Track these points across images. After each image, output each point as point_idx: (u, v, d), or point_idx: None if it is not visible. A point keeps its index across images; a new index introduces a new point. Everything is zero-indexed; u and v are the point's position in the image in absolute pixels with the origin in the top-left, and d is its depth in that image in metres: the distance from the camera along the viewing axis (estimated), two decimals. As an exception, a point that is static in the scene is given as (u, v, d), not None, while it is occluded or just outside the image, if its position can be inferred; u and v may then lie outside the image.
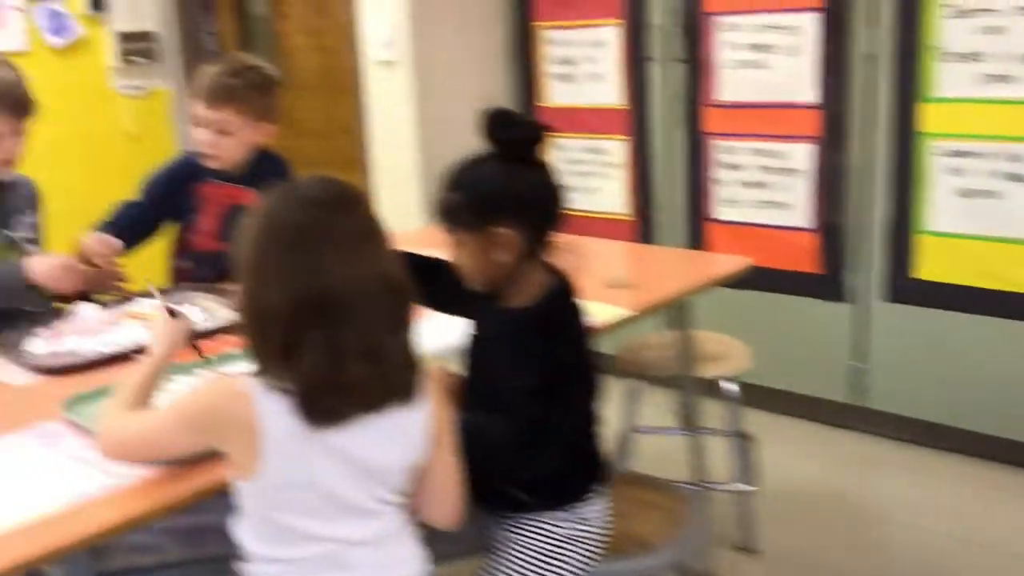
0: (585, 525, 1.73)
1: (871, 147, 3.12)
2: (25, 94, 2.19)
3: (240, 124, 2.41)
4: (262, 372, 1.33)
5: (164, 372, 1.60)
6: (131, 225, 2.46)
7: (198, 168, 2.52)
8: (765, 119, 3.31)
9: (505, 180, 1.66)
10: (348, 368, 1.29)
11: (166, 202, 2.53)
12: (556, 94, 3.88)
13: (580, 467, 1.74)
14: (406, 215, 3.79)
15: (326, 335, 1.28)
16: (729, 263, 2.48)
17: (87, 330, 2.17)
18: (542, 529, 1.71)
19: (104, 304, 2.30)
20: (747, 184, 3.41)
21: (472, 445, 1.53)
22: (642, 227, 3.72)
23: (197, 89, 2.40)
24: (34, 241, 2.36)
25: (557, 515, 1.71)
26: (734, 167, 3.43)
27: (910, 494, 3.02)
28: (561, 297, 1.70)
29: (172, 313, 1.70)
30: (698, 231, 3.57)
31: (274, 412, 1.30)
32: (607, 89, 3.71)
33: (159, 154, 4.51)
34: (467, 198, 1.66)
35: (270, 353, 1.31)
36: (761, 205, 3.38)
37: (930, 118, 2.99)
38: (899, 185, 3.09)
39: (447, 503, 1.50)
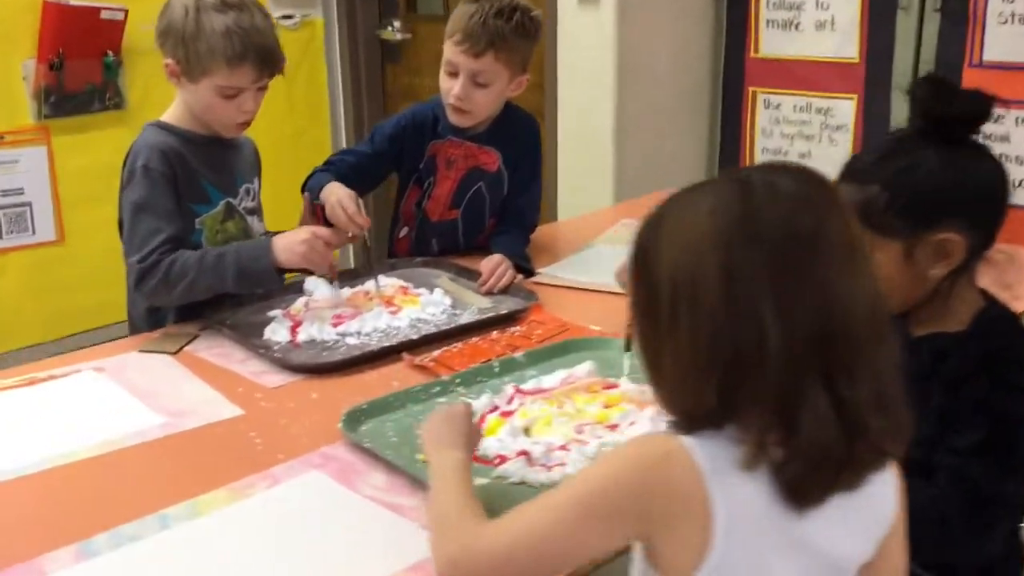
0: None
1: None
2: (276, 48, 1.81)
3: (500, 75, 2.02)
4: (703, 430, 0.95)
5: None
6: (351, 177, 2.09)
7: (438, 121, 2.13)
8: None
9: (950, 170, 1.26)
10: (867, 426, 0.92)
11: (397, 157, 2.16)
12: (771, 42, 3.42)
13: (1014, 555, 1.35)
14: (594, 181, 3.38)
15: (833, 382, 0.91)
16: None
17: (323, 314, 1.83)
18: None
19: (331, 280, 1.94)
20: (1013, 159, 2.94)
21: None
22: (866, 200, 3.28)
23: (454, 30, 2.00)
24: (254, 212, 2.00)
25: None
26: (998, 138, 2.96)
27: None
28: (1006, 323, 1.31)
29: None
30: (940, 209, 3.11)
31: (733, 487, 0.93)
32: (838, 40, 3.24)
33: (310, 90, 4.16)
34: (895, 194, 1.26)
35: (736, 407, 0.93)
36: (1029, 186, 2.92)
37: None
38: None
39: None
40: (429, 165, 2.16)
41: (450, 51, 2.01)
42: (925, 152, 1.26)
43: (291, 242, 1.77)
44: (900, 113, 3.13)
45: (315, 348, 1.72)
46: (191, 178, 1.84)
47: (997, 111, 3.07)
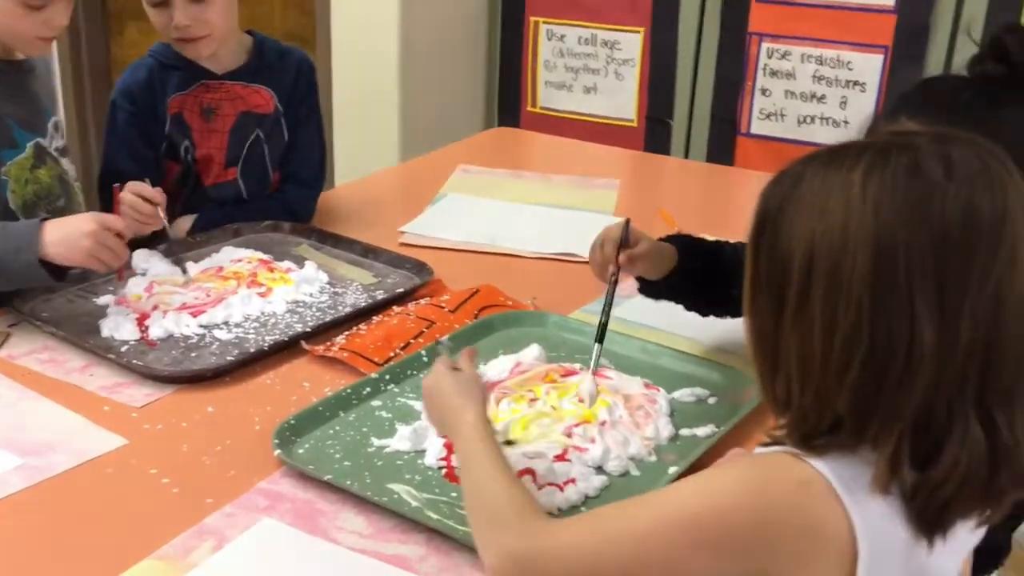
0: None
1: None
2: None
3: None
4: (832, 450, 0.81)
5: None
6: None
7: (170, 71, 1.75)
8: (830, 22, 2.90)
9: None
10: (1018, 455, 0.80)
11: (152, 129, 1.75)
12: (553, -29, 3.28)
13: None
14: (379, 130, 3.10)
15: (988, 401, 0.78)
16: None
17: (173, 300, 1.49)
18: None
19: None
20: (798, 96, 3.01)
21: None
22: (651, 136, 3.25)
23: None
24: (66, 152, 1.57)
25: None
26: (783, 75, 3.01)
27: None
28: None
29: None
30: (725, 146, 3.14)
31: (872, 519, 0.79)
32: (625, -30, 3.15)
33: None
34: None
35: (869, 420, 0.79)
36: (815, 122, 3.00)
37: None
38: None
39: None
40: (177, 127, 1.75)
41: None
42: (1009, 104, 1.14)
43: (71, 234, 1.35)
44: (687, 48, 3.11)
45: (177, 347, 1.37)
46: None
47: (783, 47, 3.11)
